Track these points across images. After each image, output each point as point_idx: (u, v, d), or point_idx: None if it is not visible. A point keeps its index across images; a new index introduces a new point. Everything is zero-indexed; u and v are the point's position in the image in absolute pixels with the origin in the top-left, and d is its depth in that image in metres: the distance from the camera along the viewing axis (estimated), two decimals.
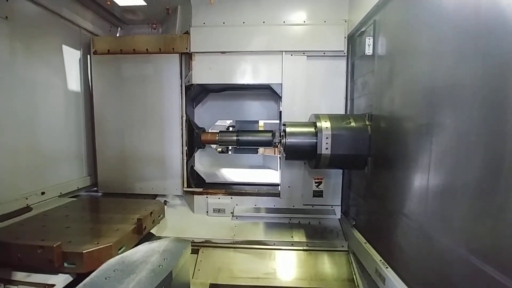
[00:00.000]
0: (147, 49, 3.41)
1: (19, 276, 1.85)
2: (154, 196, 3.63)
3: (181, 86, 3.45)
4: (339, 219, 3.32)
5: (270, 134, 3.55)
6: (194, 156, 3.93)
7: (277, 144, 3.48)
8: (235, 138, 3.55)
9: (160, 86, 3.46)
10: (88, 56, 3.58)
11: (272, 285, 2.66)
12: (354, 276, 2.71)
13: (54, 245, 1.77)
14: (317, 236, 3.10)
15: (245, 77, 3.34)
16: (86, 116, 3.60)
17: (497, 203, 1.14)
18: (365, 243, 2.50)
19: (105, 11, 3.67)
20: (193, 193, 3.53)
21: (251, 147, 4.91)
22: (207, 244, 3.08)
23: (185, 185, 3.56)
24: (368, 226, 2.62)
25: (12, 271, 1.87)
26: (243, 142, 3.59)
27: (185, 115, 3.49)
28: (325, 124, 2.59)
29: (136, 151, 3.56)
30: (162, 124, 3.50)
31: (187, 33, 3.35)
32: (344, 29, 3.14)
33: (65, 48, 3.27)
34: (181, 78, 3.44)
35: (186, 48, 3.33)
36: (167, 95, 3.46)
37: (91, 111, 3.63)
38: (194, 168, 4.02)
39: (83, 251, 1.81)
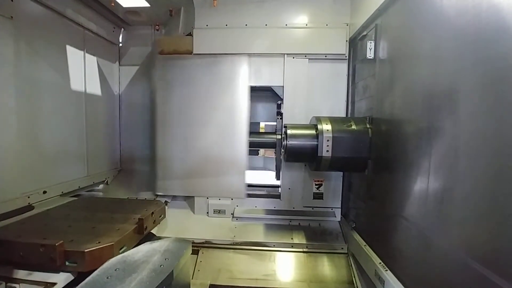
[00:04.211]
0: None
1: (21, 274, 1.86)
2: (156, 196, 3.64)
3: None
4: (339, 221, 3.33)
5: (274, 136, 3.55)
6: None
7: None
8: None
9: (228, 87, 3.38)
10: (95, 58, 3.60)
11: (271, 287, 2.67)
12: (354, 279, 2.71)
13: (56, 244, 1.78)
14: (317, 238, 3.11)
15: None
16: (86, 116, 3.61)
17: (496, 207, 1.15)
18: (364, 245, 2.51)
19: (109, 12, 3.70)
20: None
21: (255, 148, 4.89)
22: (207, 245, 3.09)
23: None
24: (368, 228, 2.63)
25: (14, 269, 1.87)
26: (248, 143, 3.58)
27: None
28: (326, 127, 2.61)
29: (200, 152, 3.45)
30: (228, 124, 3.41)
31: (190, 34, 3.37)
32: (346, 33, 3.16)
33: (69, 48, 3.29)
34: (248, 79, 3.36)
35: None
36: (234, 95, 3.38)
37: (88, 110, 3.63)
38: None
39: (85, 250, 1.81)
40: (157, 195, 3.61)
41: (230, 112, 3.40)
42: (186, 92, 3.43)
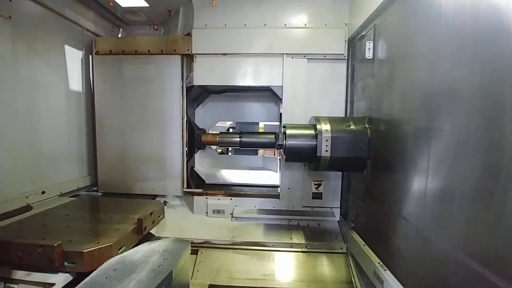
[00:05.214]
0: (148, 50, 3.43)
1: (19, 274, 1.86)
2: (154, 196, 3.64)
3: (182, 87, 3.48)
4: (338, 221, 3.33)
5: (273, 136, 3.56)
6: (194, 157, 3.94)
7: (279, 146, 3.50)
8: (238, 139, 3.56)
9: (161, 87, 3.48)
10: (90, 56, 3.60)
11: (270, 287, 2.67)
12: (353, 278, 2.72)
13: (55, 244, 1.77)
14: (316, 238, 3.11)
15: (246, 79, 3.36)
16: (87, 116, 3.62)
17: (494, 207, 1.15)
18: (363, 245, 2.51)
19: (107, 12, 3.69)
20: (193, 194, 3.54)
21: (254, 148, 4.91)
22: (206, 245, 3.08)
23: (185, 185, 3.57)
24: (366, 228, 2.63)
25: (12, 269, 1.87)
26: (246, 143, 3.59)
27: (185, 116, 3.50)
28: (325, 127, 2.61)
29: (137, 151, 3.57)
30: (162, 124, 3.52)
31: (189, 34, 3.37)
32: (345, 33, 3.16)
33: (67, 48, 3.28)
34: (182, 79, 3.46)
35: (188, 50, 3.35)
36: (168, 96, 3.48)
37: (92, 111, 3.65)
38: (194, 169, 4.03)
39: (84, 251, 1.81)
40: (101, 192, 3.68)
41: (164, 112, 3.51)
42: (120, 92, 3.53)
